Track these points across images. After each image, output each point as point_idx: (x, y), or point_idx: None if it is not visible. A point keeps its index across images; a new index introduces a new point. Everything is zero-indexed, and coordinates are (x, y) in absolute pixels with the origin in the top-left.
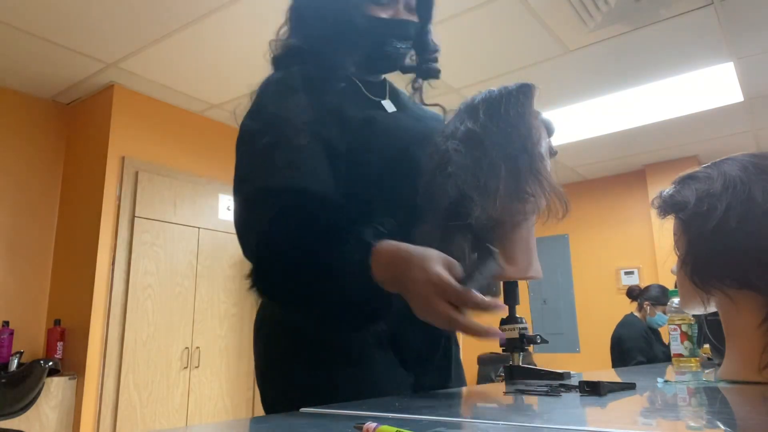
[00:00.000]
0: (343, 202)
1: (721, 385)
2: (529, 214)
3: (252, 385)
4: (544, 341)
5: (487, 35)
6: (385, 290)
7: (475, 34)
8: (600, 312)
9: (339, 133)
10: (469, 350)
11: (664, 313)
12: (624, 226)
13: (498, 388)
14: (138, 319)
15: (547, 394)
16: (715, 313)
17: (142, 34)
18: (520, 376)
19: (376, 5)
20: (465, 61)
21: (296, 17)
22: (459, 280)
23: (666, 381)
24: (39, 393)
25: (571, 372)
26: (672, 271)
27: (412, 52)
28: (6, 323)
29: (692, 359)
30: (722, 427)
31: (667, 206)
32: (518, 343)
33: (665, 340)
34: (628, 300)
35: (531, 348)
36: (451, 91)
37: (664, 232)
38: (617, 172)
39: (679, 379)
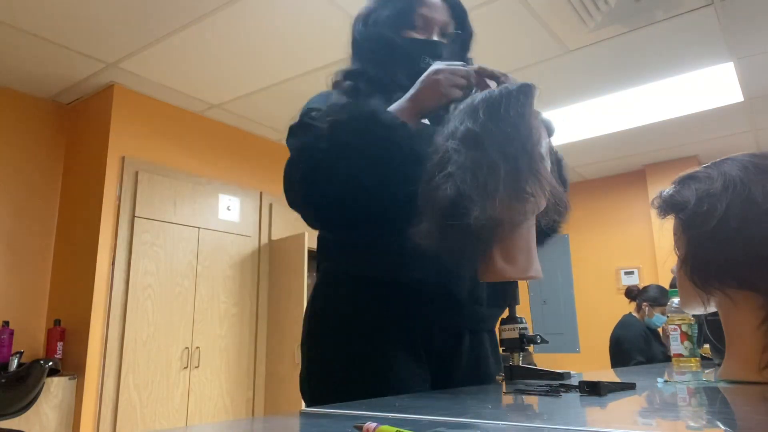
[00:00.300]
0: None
1: (721, 385)
2: (529, 214)
3: (252, 385)
4: (544, 341)
5: (487, 35)
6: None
7: (476, 34)
8: (600, 312)
9: None
10: None
11: (663, 313)
12: (624, 226)
13: (498, 388)
14: (138, 319)
15: (547, 394)
16: (715, 313)
17: (142, 34)
18: (520, 376)
19: (411, 29)
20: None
21: (352, 48)
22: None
23: (666, 381)
24: (39, 393)
25: (571, 372)
26: (672, 271)
27: None
28: (6, 323)
29: (692, 359)
30: (722, 427)
31: (667, 206)
32: (518, 343)
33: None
34: (628, 300)
35: (531, 348)
36: None
37: (664, 232)
38: (617, 172)
39: (679, 379)
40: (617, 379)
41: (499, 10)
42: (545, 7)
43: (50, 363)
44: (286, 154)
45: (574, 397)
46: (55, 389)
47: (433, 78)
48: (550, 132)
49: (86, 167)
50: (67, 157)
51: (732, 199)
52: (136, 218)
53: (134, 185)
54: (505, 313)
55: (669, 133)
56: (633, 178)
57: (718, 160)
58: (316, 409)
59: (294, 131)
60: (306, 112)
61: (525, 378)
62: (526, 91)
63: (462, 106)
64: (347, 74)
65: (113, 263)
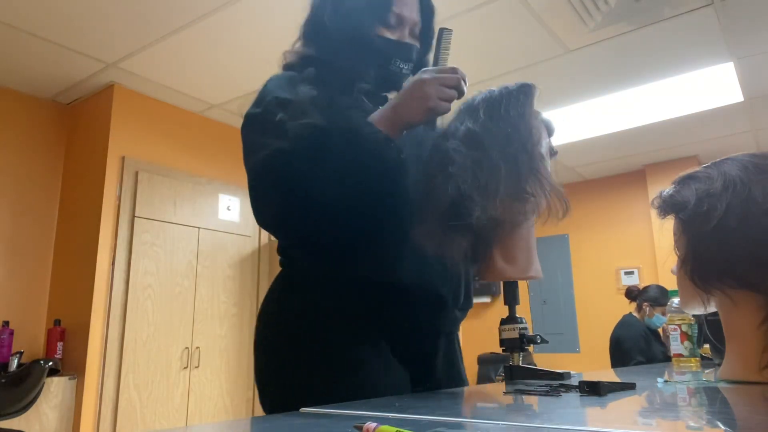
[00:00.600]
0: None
1: (721, 385)
2: (529, 214)
3: (252, 385)
4: (544, 341)
5: (487, 35)
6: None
7: (476, 34)
8: (600, 312)
9: None
10: (469, 350)
11: (663, 313)
12: (624, 226)
13: (498, 388)
14: (138, 319)
15: (547, 394)
16: (715, 313)
17: (142, 34)
18: (520, 376)
19: (384, 27)
20: (465, 61)
21: (311, 31)
22: None
23: (666, 381)
24: (39, 393)
25: (571, 372)
26: (672, 271)
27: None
28: (6, 323)
29: (692, 359)
30: (722, 427)
31: (667, 206)
32: (518, 343)
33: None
34: (628, 300)
35: (531, 348)
36: None
37: (664, 232)
38: (617, 172)
39: (679, 379)
40: (617, 379)
41: (499, 10)
42: (545, 7)
43: (50, 363)
44: None
45: (574, 397)
46: (55, 389)
47: (422, 90)
48: (550, 132)
49: (86, 167)
50: (67, 157)
51: (732, 199)
52: (136, 218)
53: (134, 185)
54: (505, 313)
55: (669, 133)
56: (633, 178)
57: (718, 160)
58: (316, 409)
59: (258, 125)
60: (271, 101)
61: (525, 378)
62: (526, 91)
63: (462, 106)
64: (308, 60)
65: (113, 263)
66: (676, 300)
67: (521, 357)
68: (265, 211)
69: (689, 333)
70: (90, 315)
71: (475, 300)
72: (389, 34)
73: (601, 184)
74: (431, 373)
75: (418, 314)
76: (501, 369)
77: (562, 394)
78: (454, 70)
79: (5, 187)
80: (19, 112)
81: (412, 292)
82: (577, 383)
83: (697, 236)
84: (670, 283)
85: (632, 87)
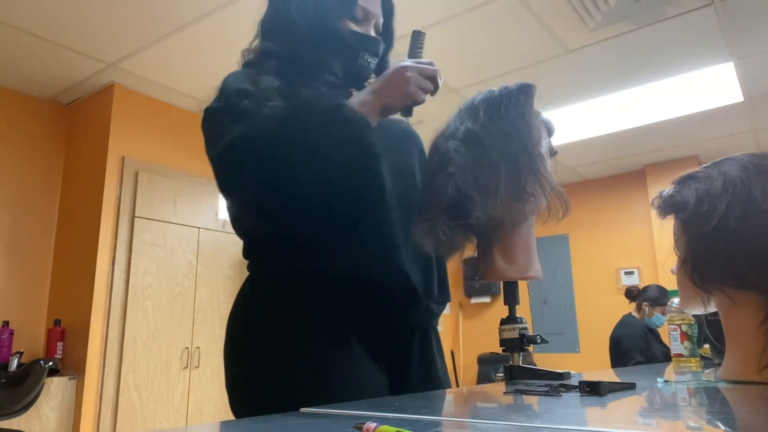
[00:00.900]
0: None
1: (721, 385)
2: (529, 214)
3: None
4: (544, 341)
5: (487, 35)
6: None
7: (476, 34)
8: (600, 312)
9: None
10: (469, 350)
11: (663, 313)
12: (624, 226)
13: (498, 388)
14: (138, 319)
15: (547, 394)
16: (715, 313)
17: (142, 34)
18: (520, 376)
19: (351, 20)
20: (465, 61)
21: (269, 27)
22: None
23: (666, 381)
24: (39, 393)
25: (571, 372)
26: (672, 271)
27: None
28: (6, 323)
29: (692, 359)
30: (722, 427)
31: (667, 206)
32: (518, 343)
33: (664, 340)
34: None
35: (531, 348)
36: (451, 91)
37: (664, 232)
38: (617, 172)
39: (679, 379)
40: (617, 379)
41: (499, 10)
42: (545, 7)
43: (50, 363)
44: None
45: (574, 397)
46: (55, 389)
47: (402, 75)
48: (550, 132)
49: (86, 167)
50: (67, 157)
51: (732, 199)
52: (136, 218)
53: (134, 185)
54: (505, 313)
55: (669, 133)
56: (633, 178)
57: (718, 160)
58: (316, 409)
59: (222, 115)
60: (233, 92)
61: (525, 378)
62: (526, 91)
63: (462, 106)
64: (268, 55)
65: (113, 263)
66: (676, 300)
67: (521, 357)
68: (235, 196)
69: (689, 333)
70: (90, 315)
71: (475, 300)
72: (356, 28)
73: (601, 184)
74: (406, 370)
75: (389, 306)
76: (501, 369)
77: (562, 394)
78: (431, 63)
79: (5, 187)
80: (19, 112)
81: (381, 282)
82: (577, 383)
83: (697, 236)
84: (670, 283)
85: (632, 87)
